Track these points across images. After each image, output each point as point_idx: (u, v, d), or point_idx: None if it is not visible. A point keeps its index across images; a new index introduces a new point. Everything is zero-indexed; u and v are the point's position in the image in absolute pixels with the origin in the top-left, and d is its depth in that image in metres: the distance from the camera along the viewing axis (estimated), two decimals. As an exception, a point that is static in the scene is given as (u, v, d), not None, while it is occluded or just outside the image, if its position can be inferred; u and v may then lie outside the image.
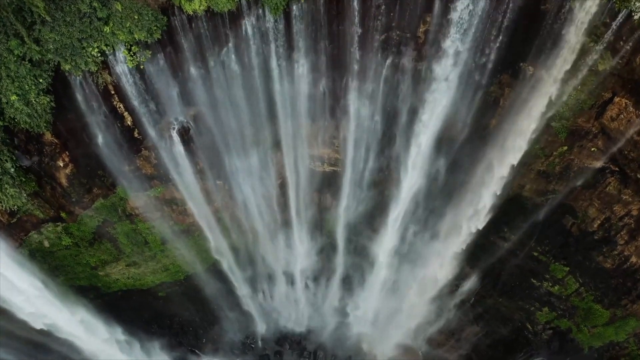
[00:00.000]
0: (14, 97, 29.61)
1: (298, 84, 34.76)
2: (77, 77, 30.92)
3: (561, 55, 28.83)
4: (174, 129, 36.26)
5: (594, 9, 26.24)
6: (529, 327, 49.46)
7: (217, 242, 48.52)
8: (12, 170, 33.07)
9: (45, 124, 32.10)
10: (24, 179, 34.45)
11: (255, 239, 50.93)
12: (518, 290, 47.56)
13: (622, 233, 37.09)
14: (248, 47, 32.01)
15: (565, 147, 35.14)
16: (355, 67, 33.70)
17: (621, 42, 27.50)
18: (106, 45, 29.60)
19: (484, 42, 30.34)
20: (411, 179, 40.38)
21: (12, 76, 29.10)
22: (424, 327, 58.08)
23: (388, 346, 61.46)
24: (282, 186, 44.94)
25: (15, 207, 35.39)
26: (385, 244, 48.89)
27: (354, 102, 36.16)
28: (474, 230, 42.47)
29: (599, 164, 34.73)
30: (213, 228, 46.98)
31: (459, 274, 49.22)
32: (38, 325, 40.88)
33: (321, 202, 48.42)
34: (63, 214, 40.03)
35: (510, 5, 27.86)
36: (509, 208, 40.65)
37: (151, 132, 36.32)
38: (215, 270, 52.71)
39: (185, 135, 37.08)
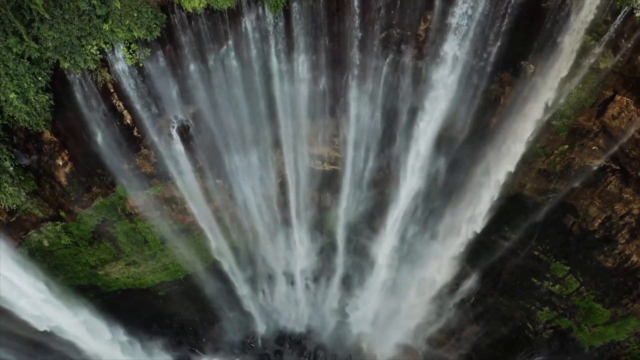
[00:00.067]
0: (12, 95, 29.53)
1: (298, 82, 34.68)
2: (76, 75, 30.83)
3: (562, 54, 28.71)
4: (173, 127, 36.16)
5: (595, 7, 26.12)
6: (530, 326, 49.36)
7: (217, 242, 48.42)
8: (11, 168, 33.00)
9: (44, 123, 32.03)
10: (23, 178, 34.38)
11: (255, 239, 50.85)
12: (519, 289, 47.46)
13: (623, 232, 36.99)
14: (248, 45, 31.92)
15: (566, 146, 35.04)
16: (356, 65, 33.63)
17: (622, 40, 27.39)
18: (105, 43, 29.52)
19: (484, 41, 30.24)
20: (411, 177, 40.31)
21: (11, 74, 29.01)
22: (424, 327, 58.00)
23: (388, 346, 61.38)
24: (282, 185, 44.85)
25: (15, 205, 35.35)
26: (385, 243, 48.84)
27: (354, 100, 36.08)
28: (471, 235, 42.79)
29: (600, 163, 34.63)
30: (213, 227, 46.89)
31: (459, 273, 49.14)
32: (42, 327, 41.01)
33: (321, 201, 48.33)
34: (62, 213, 39.94)
35: (511, 2, 27.76)
36: (509, 207, 40.56)
37: (151, 130, 36.23)
38: (215, 269, 52.63)
39: (184, 134, 36.97)
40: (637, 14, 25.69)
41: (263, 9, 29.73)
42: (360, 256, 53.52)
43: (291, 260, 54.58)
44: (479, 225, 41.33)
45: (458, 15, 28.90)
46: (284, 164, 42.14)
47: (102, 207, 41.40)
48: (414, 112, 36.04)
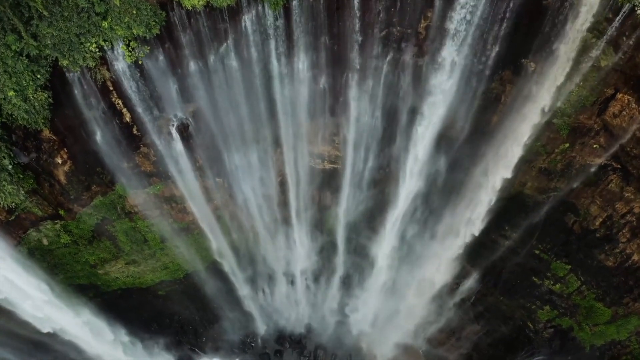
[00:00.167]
0: (11, 93, 29.45)
1: (298, 80, 34.56)
2: (75, 73, 30.74)
3: (563, 51, 28.59)
4: (173, 125, 36.06)
5: (596, 4, 26.00)
6: (530, 325, 49.25)
7: (217, 241, 48.34)
8: (10, 167, 32.92)
9: (43, 121, 31.96)
10: (22, 176, 34.31)
11: (255, 237, 50.77)
12: (519, 288, 47.37)
13: (624, 231, 36.88)
14: (247, 43, 31.80)
15: (567, 144, 34.93)
16: (356, 63, 33.52)
17: (624, 38, 27.28)
18: (104, 40, 29.43)
19: (485, 39, 30.12)
20: (410, 180, 40.27)
21: (10, 72, 28.94)
22: (424, 326, 57.92)
23: (388, 345, 61.33)
24: (282, 184, 44.75)
25: (13, 204, 35.34)
26: (384, 243, 48.75)
27: (354, 98, 35.98)
28: (468, 239, 42.84)
29: (600, 161, 34.53)
30: (213, 226, 46.80)
31: (459, 272, 49.05)
32: (46, 329, 41.08)
33: (321, 200, 48.23)
34: (62, 212, 39.84)
35: (510, 6, 27.67)
36: (510, 206, 40.47)
37: (150, 128, 36.15)
38: (215, 268, 52.57)
39: (184, 132, 36.87)
40: (638, 12, 25.56)
41: (263, 7, 29.61)
42: (360, 256, 53.45)
43: (291, 260, 54.51)
44: (477, 228, 41.45)
45: (456, 21, 28.86)
46: (283, 162, 42.05)
47: (101, 206, 41.31)
48: (413, 112, 35.97)
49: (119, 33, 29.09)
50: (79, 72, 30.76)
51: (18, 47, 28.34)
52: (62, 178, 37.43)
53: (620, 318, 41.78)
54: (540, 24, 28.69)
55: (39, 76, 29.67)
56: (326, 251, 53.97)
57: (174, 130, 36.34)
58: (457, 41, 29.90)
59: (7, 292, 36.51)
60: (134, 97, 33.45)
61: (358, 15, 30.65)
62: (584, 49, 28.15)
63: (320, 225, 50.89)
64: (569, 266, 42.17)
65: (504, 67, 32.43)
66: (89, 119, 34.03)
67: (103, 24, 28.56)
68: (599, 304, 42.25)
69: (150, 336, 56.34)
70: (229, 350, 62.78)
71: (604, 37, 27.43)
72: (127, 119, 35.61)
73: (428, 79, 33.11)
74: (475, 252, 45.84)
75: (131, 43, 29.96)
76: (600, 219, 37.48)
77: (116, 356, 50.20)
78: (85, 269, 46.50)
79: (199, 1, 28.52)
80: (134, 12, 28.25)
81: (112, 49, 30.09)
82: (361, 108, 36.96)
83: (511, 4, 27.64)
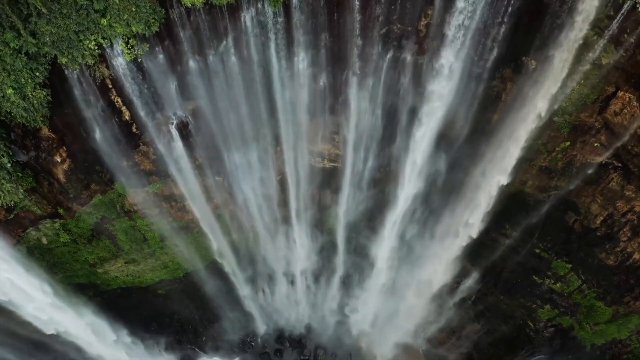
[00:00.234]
0: (10, 91, 29.34)
1: (298, 78, 34.46)
2: (74, 71, 30.60)
3: (564, 49, 28.48)
4: (172, 123, 35.94)
5: (597, 1, 25.88)
6: (531, 324, 49.17)
7: (217, 240, 48.24)
8: (9, 165, 32.82)
9: (42, 119, 31.85)
10: (20, 175, 34.21)
11: (255, 237, 50.68)
12: (519, 287, 47.28)
13: (624, 229, 36.79)
14: (247, 40, 31.68)
15: (568, 143, 34.83)
16: (356, 61, 33.41)
17: (625, 35, 27.15)
18: (103, 38, 29.28)
19: (485, 36, 30.03)
20: (409, 183, 40.22)
21: (8, 69, 28.81)
22: (424, 326, 57.84)
23: (388, 345, 61.25)
24: (282, 183, 44.64)
25: (12, 203, 35.23)
26: (384, 243, 48.67)
27: (354, 96, 35.86)
28: (465, 242, 42.81)
29: (601, 160, 34.43)
30: (212, 225, 46.70)
31: (459, 272, 48.96)
32: (50, 330, 41.13)
33: (321, 200, 48.13)
34: (61, 211, 39.74)
35: (509, 8, 27.60)
36: (510, 204, 40.35)
37: (149, 127, 36.01)
38: (215, 267, 52.48)
39: (184, 130, 36.75)
40: (639, 9, 25.44)
41: (262, 3, 29.48)
42: (360, 256, 53.36)
43: (291, 260, 54.42)
44: (475, 231, 41.41)
45: (456, 19, 28.75)
46: (283, 161, 41.95)
47: (100, 205, 41.22)
48: (415, 108, 35.85)
49: (118, 30, 28.96)
50: (77, 70, 30.62)
51: (17, 45, 28.21)
52: (61, 176, 37.32)
53: (621, 317, 41.70)
54: (541, 22, 28.57)
55: (37, 74, 29.55)
56: (326, 251, 53.88)
57: (173, 129, 36.22)
58: (457, 40, 29.73)
59: (9, 294, 36.48)
60: (133, 95, 33.30)
61: (358, 12, 30.54)
62: (584, 46, 28.02)
63: (320, 225, 50.81)
64: (570, 265, 42.08)
65: (505, 65, 32.34)
66: (88, 117, 33.87)
67: (102, 22, 28.43)
68: (599, 302, 42.17)
69: (151, 336, 56.29)
70: (229, 350, 62.76)
71: (605, 34, 27.30)
72: (127, 117, 35.49)
73: (428, 77, 33.02)
74: (476, 251, 45.74)
75: (130, 40, 29.82)
76: (601, 218, 37.39)
77: (119, 356, 50.17)
78: (84, 268, 46.41)
79: (198, -2, 28.43)
80: (133, 9, 28.13)
81: (111, 46, 29.96)
82: (361, 107, 36.85)
83: (510, 7, 27.58)
